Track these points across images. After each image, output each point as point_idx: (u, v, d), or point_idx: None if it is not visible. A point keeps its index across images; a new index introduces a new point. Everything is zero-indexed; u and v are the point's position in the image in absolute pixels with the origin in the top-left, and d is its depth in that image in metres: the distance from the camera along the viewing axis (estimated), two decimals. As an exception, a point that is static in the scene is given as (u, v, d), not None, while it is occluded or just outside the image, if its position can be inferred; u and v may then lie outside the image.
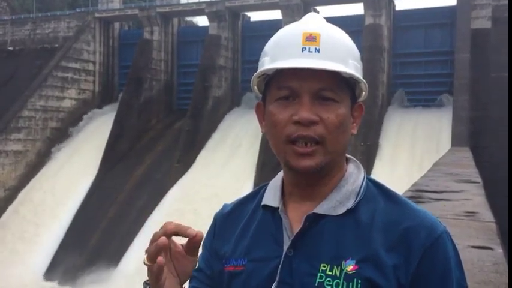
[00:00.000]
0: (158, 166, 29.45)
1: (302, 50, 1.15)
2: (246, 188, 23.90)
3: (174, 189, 27.51)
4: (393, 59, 29.18)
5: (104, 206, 28.04)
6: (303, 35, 1.16)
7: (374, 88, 25.82)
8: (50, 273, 26.51)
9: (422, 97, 28.55)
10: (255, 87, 1.27)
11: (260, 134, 26.11)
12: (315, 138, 1.14)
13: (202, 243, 1.34)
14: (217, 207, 1.40)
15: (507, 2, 25.33)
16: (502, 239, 4.03)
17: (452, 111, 23.69)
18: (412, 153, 24.55)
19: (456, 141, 21.84)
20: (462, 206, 5.45)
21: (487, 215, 4.98)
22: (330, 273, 1.12)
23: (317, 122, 1.14)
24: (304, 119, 1.13)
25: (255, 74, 1.22)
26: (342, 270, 1.11)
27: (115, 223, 27.29)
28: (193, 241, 1.16)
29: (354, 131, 1.23)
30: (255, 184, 24.68)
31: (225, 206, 1.38)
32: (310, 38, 1.15)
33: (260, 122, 1.28)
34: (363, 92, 1.24)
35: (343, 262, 1.12)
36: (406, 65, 29.54)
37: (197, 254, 1.18)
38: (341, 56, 1.16)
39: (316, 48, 1.15)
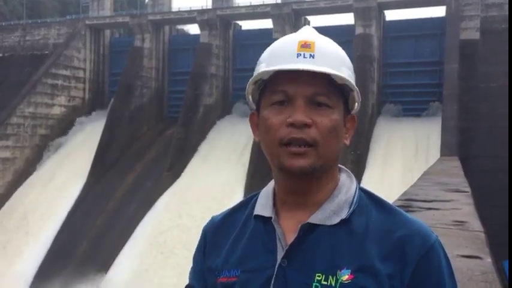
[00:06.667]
0: (148, 174, 29.32)
1: (297, 56, 1.16)
2: (237, 196, 23.87)
3: (164, 197, 27.38)
4: (383, 68, 29.39)
5: (93, 214, 27.82)
6: (298, 42, 1.18)
7: (364, 98, 25.95)
8: (37, 282, 26.17)
9: (412, 107, 28.75)
10: (250, 96, 1.28)
11: (251, 143, 26.16)
12: (307, 141, 1.15)
13: (192, 258, 1.33)
14: (207, 215, 1.39)
15: (495, 13, 25.68)
16: (491, 248, 4.05)
17: (441, 120, 23.87)
18: (401, 162, 24.68)
19: (445, 150, 22.00)
20: (451, 215, 5.47)
21: (476, 224, 5.00)
22: (325, 283, 1.11)
23: (310, 125, 1.15)
24: (298, 121, 1.14)
25: (251, 79, 1.23)
26: (337, 280, 1.11)
27: (104, 231, 27.07)
28: None
29: (347, 142, 1.24)
30: (246, 192, 24.65)
31: (213, 218, 1.37)
32: (305, 45, 1.17)
33: (254, 131, 1.28)
34: (356, 104, 1.26)
35: (338, 272, 1.11)
36: (395, 75, 29.76)
37: None
38: (335, 63, 1.18)
39: (311, 55, 1.16)
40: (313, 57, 1.16)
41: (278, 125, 1.16)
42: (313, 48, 1.17)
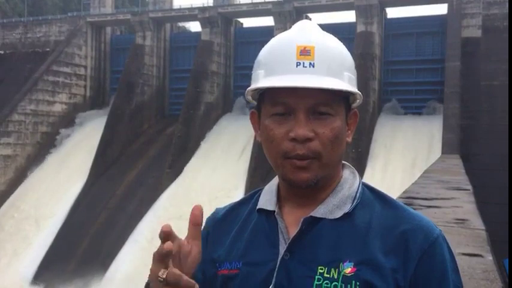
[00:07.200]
0: (149, 171, 29.33)
1: (296, 65, 1.14)
2: (238, 193, 23.87)
3: (165, 194, 27.38)
4: (384, 66, 29.36)
5: (94, 212, 27.84)
6: (297, 48, 1.15)
7: (365, 95, 25.94)
8: (37, 279, 26.20)
9: (413, 104, 28.74)
10: (249, 97, 1.27)
11: (251, 141, 26.14)
12: (310, 154, 1.15)
13: None
14: (208, 213, 1.39)
15: (497, 11, 25.62)
16: (492, 246, 4.04)
17: (443, 118, 23.84)
18: (402, 160, 24.64)
19: (446, 148, 21.98)
20: (452, 213, 5.47)
21: (478, 222, 5.00)
22: (328, 275, 1.11)
23: (313, 138, 1.15)
24: (301, 136, 1.14)
25: (249, 88, 1.22)
26: (339, 272, 1.11)
27: (105, 229, 27.09)
28: (194, 222, 1.10)
29: (349, 139, 1.24)
30: (246, 189, 24.65)
31: (217, 210, 1.37)
32: (305, 52, 1.15)
33: (256, 131, 1.27)
34: (357, 100, 1.25)
35: (341, 264, 1.12)
36: (397, 73, 29.73)
37: (200, 236, 1.11)
38: (336, 69, 1.16)
39: (310, 63, 1.14)
40: (313, 66, 1.14)
41: (281, 137, 1.16)
42: (312, 56, 1.14)
